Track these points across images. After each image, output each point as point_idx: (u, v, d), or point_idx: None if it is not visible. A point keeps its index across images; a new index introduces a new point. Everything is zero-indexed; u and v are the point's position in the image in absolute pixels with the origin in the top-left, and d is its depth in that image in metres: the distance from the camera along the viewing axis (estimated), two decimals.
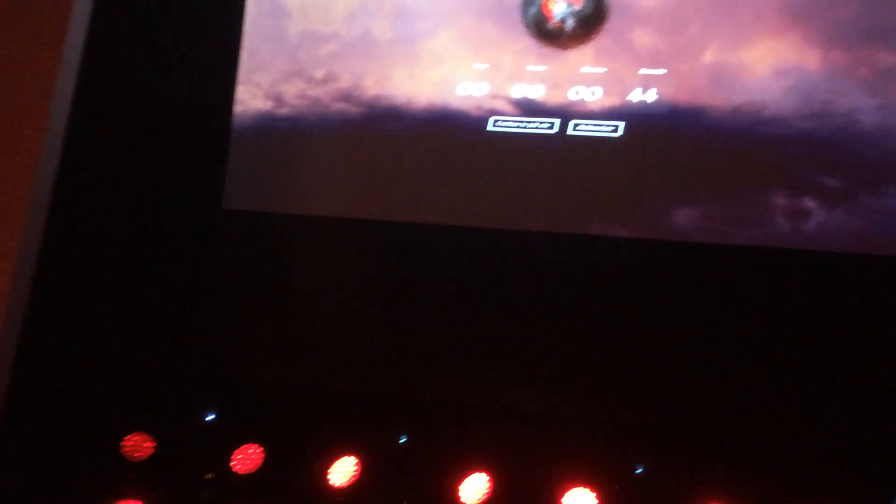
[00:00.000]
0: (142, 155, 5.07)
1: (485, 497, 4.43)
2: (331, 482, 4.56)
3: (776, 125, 4.53)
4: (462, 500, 4.40)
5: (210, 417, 4.82)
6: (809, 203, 4.48)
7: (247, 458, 4.65)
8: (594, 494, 4.30)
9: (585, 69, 4.76)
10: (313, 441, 4.66)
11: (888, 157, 4.39)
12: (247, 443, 4.67)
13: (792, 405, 4.39)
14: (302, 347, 4.91)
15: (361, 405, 4.79)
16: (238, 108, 5.07)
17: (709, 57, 4.64)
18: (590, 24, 4.77)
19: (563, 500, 4.28)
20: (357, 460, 4.57)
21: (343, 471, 4.58)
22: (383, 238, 4.92)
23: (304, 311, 4.94)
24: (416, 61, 4.91)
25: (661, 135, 4.67)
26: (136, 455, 4.68)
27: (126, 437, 4.66)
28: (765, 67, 4.58)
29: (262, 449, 4.65)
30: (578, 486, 4.32)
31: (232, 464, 4.64)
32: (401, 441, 4.65)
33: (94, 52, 4.95)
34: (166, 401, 4.84)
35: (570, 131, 4.76)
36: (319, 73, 5.01)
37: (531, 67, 4.81)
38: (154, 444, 4.68)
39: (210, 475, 4.72)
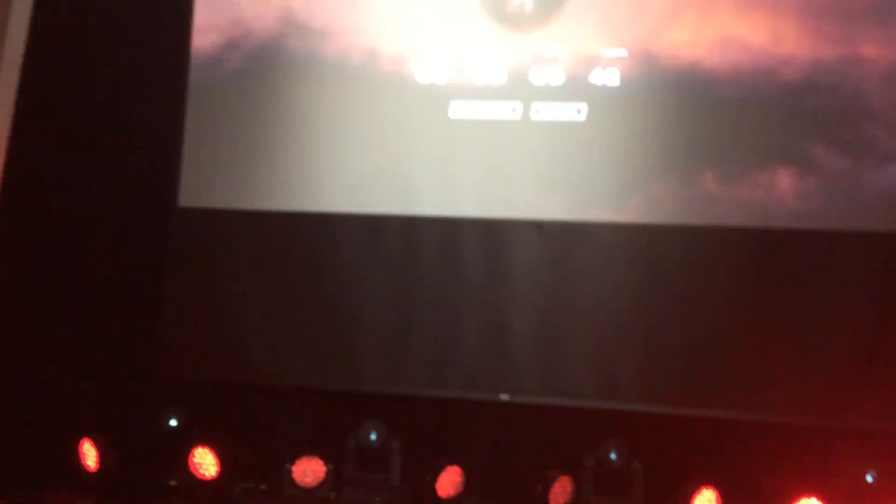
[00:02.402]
0: (94, 153, 4.93)
1: (459, 490, 4.35)
2: (299, 482, 4.44)
3: (745, 102, 4.50)
4: (438, 493, 4.31)
5: (173, 423, 4.66)
6: (794, 180, 4.46)
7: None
8: (569, 479, 4.27)
9: (546, 51, 4.69)
10: (282, 441, 4.56)
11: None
12: (208, 445, 4.52)
13: (778, 386, 4.36)
14: (264, 346, 4.78)
15: (331, 402, 4.70)
16: (190, 104, 4.92)
17: (672, 36, 4.59)
18: (549, 5, 4.70)
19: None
20: (323, 461, 4.47)
21: (311, 470, 4.46)
22: (345, 231, 4.79)
23: (266, 310, 4.81)
24: (373, 47, 4.81)
25: (625, 116, 4.61)
26: (91, 463, 4.51)
27: (80, 444, 4.49)
28: (724, 45, 4.54)
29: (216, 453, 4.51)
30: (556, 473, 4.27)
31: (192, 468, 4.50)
32: (371, 438, 4.54)
33: (38, 45, 4.82)
34: (125, 406, 4.69)
35: (533, 116, 4.69)
36: (275, 58, 4.89)
37: (492, 51, 4.73)
38: (107, 451, 4.51)
39: (174, 482, 4.57)
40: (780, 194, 4.48)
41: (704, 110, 4.54)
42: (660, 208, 4.55)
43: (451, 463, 4.38)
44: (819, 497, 4.05)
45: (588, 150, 4.63)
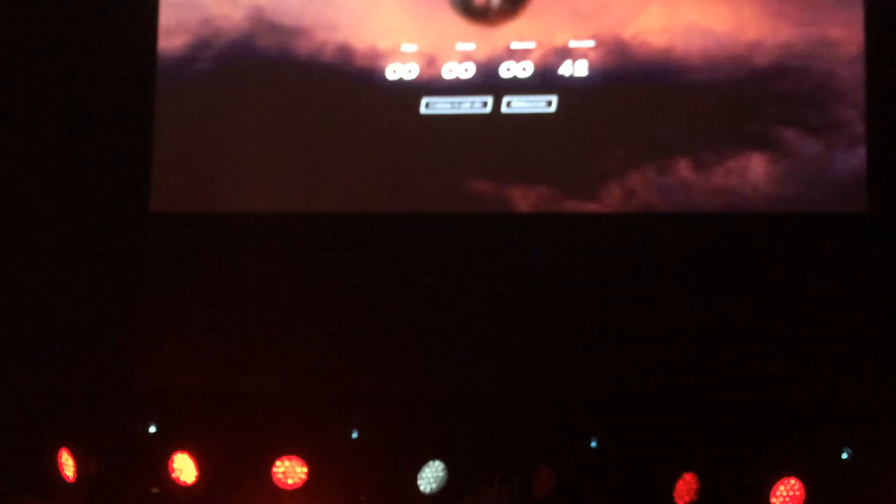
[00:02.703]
0: (61, 160, 4.88)
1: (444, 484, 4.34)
2: (280, 483, 4.40)
3: (717, 88, 4.53)
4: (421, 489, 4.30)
5: (151, 429, 4.62)
6: (766, 165, 4.49)
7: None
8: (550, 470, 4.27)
9: (515, 45, 4.70)
10: (262, 443, 4.50)
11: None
12: (187, 451, 4.47)
13: (753, 366, 4.40)
14: (241, 350, 4.75)
15: (309, 404, 4.65)
16: (160, 107, 4.89)
17: (639, 25, 4.62)
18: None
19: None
20: (304, 461, 4.43)
21: (293, 471, 4.43)
22: (319, 230, 4.78)
23: (241, 314, 4.78)
24: (344, 44, 4.80)
25: (595, 106, 4.63)
26: (69, 472, 4.45)
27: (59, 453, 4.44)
28: (691, 33, 4.57)
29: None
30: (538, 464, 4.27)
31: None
32: (352, 436, 4.52)
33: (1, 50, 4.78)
34: (102, 414, 4.64)
35: (504, 109, 4.70)
36: (245, 58, 4.86)
37: (460, 46, 4.73)
38: (85, 460, 4.45)
39: (155, 490, 4.53)
40: (753, 179, 4.51)
41: (675, 98, 4.57)
42: (636, 197, 4.57)
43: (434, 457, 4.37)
44: (798, 478, 4.07)
45: (560, 141, 4.65)
